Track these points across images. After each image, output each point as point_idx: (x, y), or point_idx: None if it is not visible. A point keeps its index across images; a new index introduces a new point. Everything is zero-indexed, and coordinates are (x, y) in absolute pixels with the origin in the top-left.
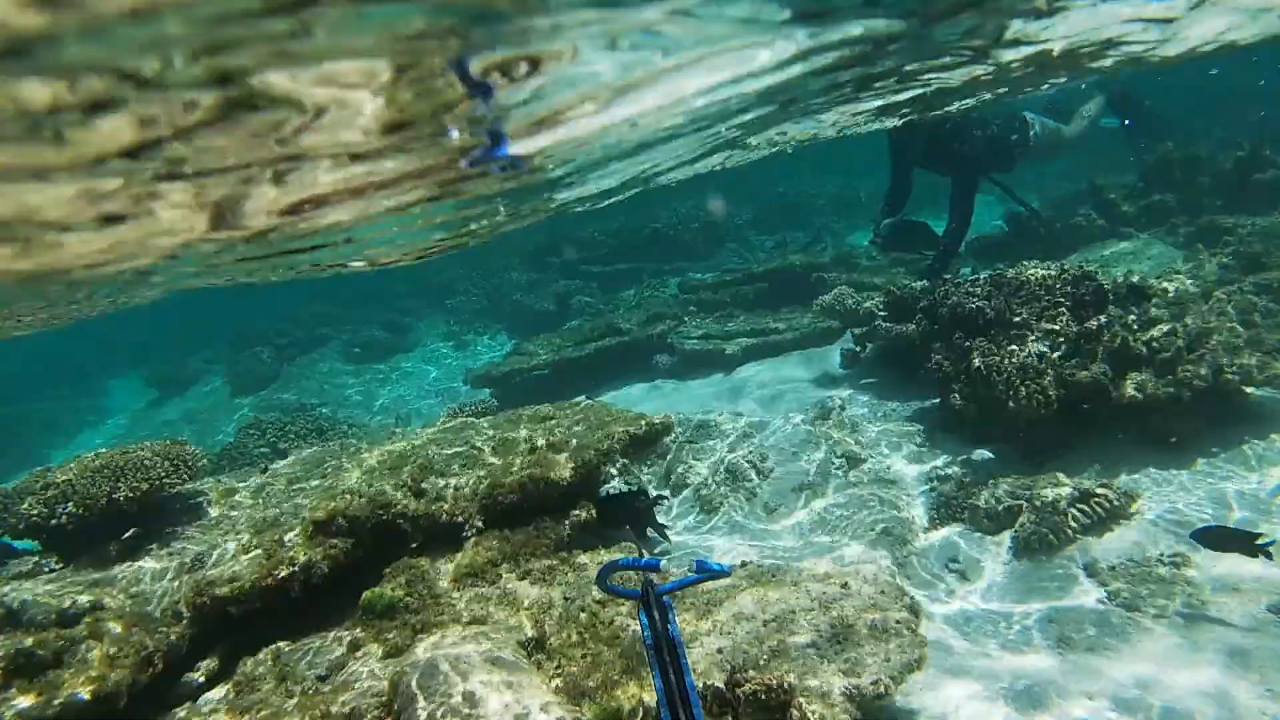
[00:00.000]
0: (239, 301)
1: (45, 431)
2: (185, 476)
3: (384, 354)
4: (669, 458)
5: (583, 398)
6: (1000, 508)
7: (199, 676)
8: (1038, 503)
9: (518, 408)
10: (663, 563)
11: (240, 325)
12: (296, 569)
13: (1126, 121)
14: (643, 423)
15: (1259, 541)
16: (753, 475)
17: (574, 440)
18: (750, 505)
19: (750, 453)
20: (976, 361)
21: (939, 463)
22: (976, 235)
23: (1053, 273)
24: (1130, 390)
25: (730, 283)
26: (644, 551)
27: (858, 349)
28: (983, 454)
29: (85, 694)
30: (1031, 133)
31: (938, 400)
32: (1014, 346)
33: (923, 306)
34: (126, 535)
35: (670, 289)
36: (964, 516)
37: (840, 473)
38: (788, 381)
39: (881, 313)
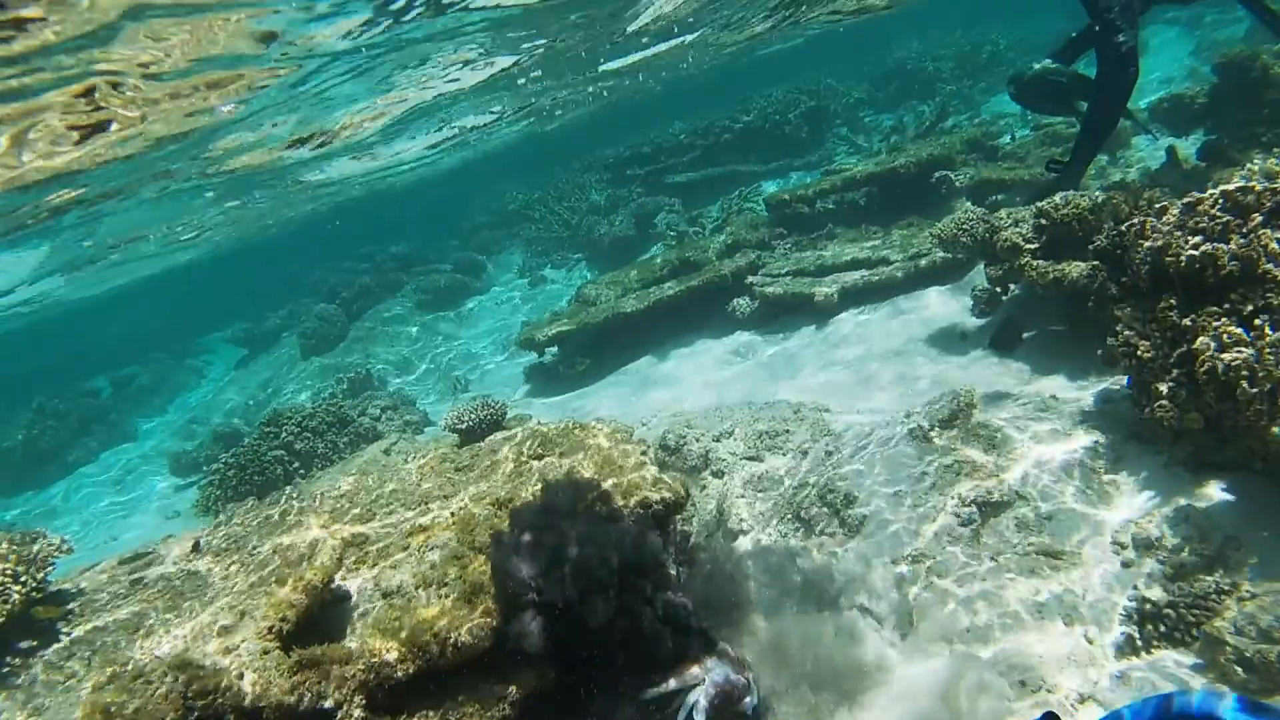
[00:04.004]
0: (315, 249)
1: (147, 394)
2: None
3: (457, 299)
4: (723, 486)
5: (600, 422)
6: (1274, 654)
7: None
8: None
9: (509, 435)
10: None
11: (315, 276)
12: None
13: None
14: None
15: None
16: (835, 528)
17: None
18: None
19: (834, 489)
20: (1209, 359)
21: (1134, 508)
22: (1164, 92)
23: None
24: None
25: (828, 190)
26: None
27: (996, 289)
28: (1214, 495)
29: None
30: None
31: (1126, 385)
32: (1277, 333)
33: (1099, 247)
34: None
35: (766, 194)
36: (1188, 641)
37: (972, 531)
38: (896, 344)
39: (1030, 245)
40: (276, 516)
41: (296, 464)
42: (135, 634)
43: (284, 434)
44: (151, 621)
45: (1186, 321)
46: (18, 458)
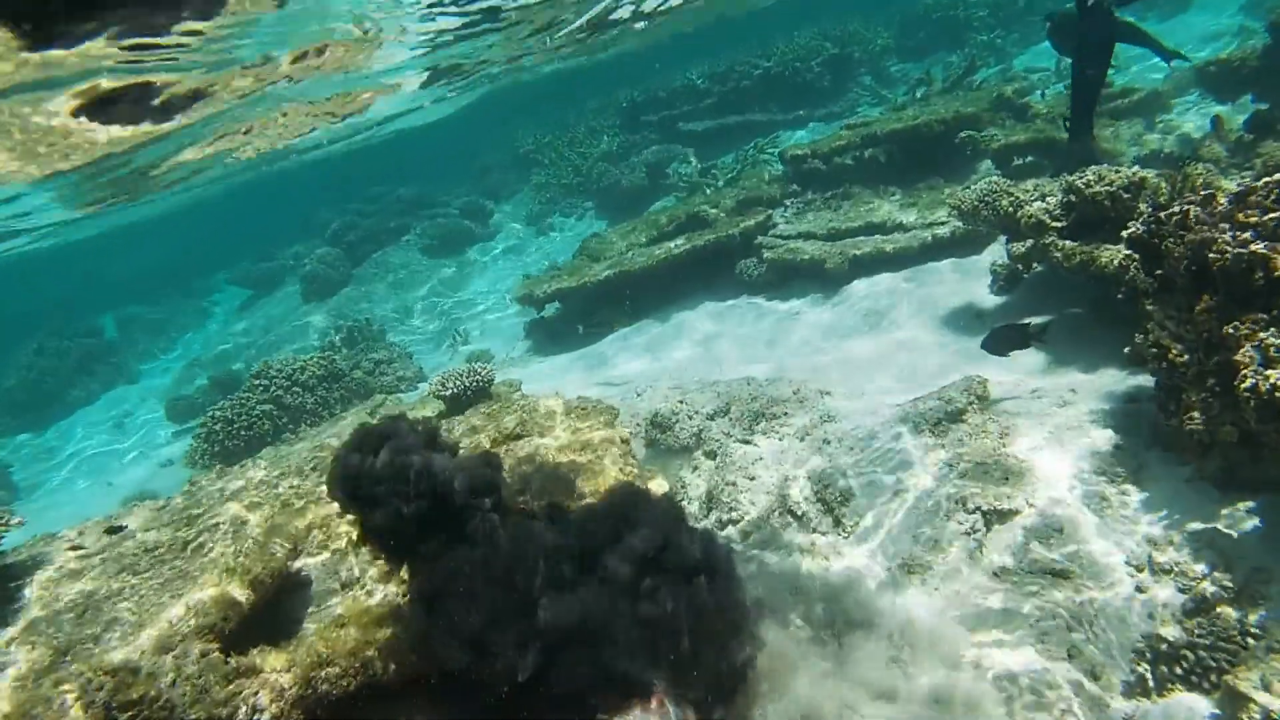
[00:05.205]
0: (324, 189)
1: (151, 335)
2: None
3: (462, 245)
4: (716, 464)
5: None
6: None
7: None
8: None
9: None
10: None
11: (321, 217)
12: None
13: None
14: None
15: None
16: (826, 524)
17: None
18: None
19: (828, 483)
20: (1252, 375)
21: (1153, 527)
22: (1210, 52)
23: None
24: None
25: (847, 145)
26: None
27: (1018, 267)
28: (1244, 518)
29: None
30: None
31: (1153, 387)
32: None
33: (1134, 235)
34: None
35: (783, 147)
36: (1206, 687)
37: (974, 542)
38: (907, 319)
39: (1057, 223)
40: (237, 489)
41: (285, 419)
42: (81, 620)
43: (273, 388)
44: (98, 600)
45: (1228, 328)
46: (18, 397)
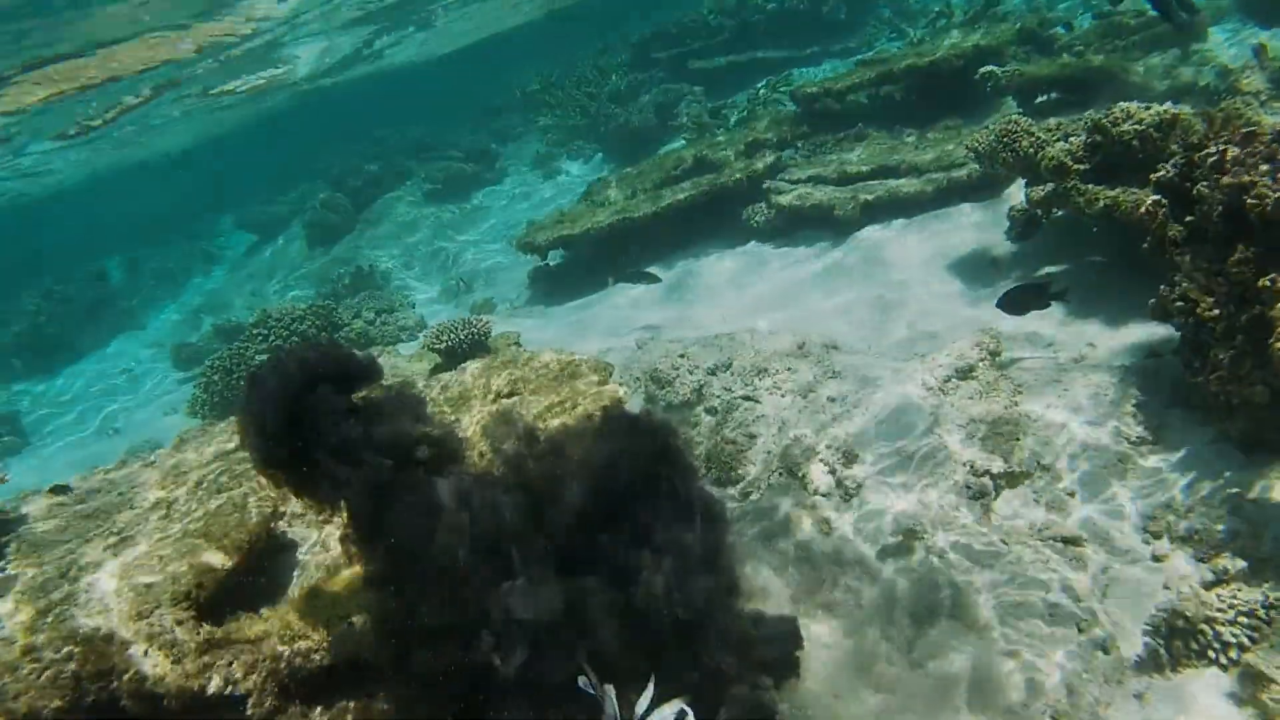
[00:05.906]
0: (332, 130)
1: (159, 280)
2: None
3: (467, 190)
4: (716, 421)
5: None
6: None
7: None
8: None
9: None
10: None
11: (326, 160)
12: None
13: None
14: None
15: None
16: (828, 485)
17: None
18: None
19: (830, 442)
20: None
21: (1172, 490)
22: None
23: None
24: None
25: (861, 83)
26: None
27: (1037, 212)
28: (1272, 483)
29: None
30: None
31: (1177, 342)
32: None
33: (1163, 178)
34: None
35: (795, 86)
36: (1224, 664)
37: (980, 506)
38: (919, 269)
39: (1080, 165)
40: (223, 448)
41: None
42: (64, 578)
43: (273, 337)
44: (84, 562)
45: (1264, 281)
46: (26, 343)
